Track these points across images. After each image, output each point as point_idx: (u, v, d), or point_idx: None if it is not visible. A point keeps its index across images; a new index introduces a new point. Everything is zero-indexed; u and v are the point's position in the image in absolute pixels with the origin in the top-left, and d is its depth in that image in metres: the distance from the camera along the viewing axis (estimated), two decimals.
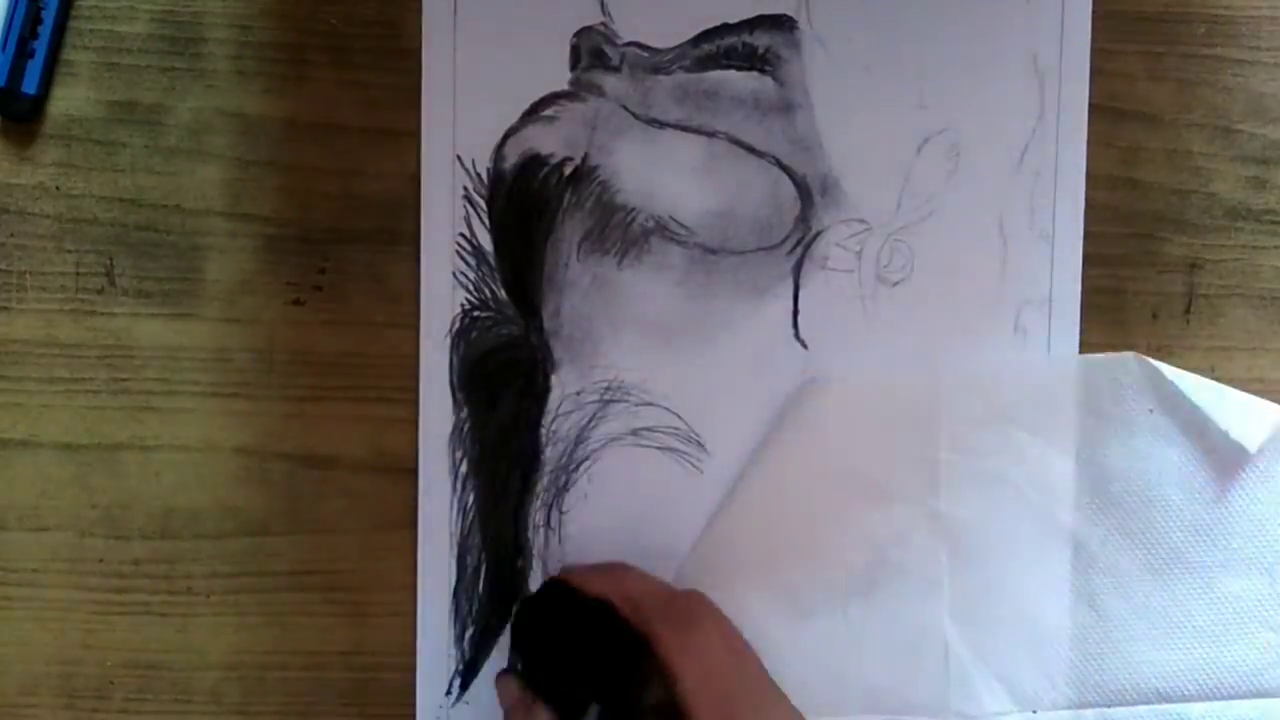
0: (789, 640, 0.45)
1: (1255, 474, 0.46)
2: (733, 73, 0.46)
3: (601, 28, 0.46)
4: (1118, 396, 0.46)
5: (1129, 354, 0.46)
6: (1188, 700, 0.46)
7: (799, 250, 0.46)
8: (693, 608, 0.41)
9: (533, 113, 0.46)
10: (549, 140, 0.46)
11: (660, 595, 0.41)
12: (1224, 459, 0.46)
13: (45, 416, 0.46)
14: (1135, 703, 0.46)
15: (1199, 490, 0.46)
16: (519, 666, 0.43)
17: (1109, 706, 0.46)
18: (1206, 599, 0.46)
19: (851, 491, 0.46)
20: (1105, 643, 0.46)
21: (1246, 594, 0.46)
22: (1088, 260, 0.47)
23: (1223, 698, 0.46)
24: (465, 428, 0.46)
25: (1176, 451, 0.46)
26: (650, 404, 0.46)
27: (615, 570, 0.43)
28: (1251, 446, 0.45)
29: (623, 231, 0.46)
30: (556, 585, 0.43)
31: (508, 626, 0.46)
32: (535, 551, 0.46)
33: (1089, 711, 0.46)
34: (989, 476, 0.46)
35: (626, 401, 0.46)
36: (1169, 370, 0.46)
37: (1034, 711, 0.46)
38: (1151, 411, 0.46)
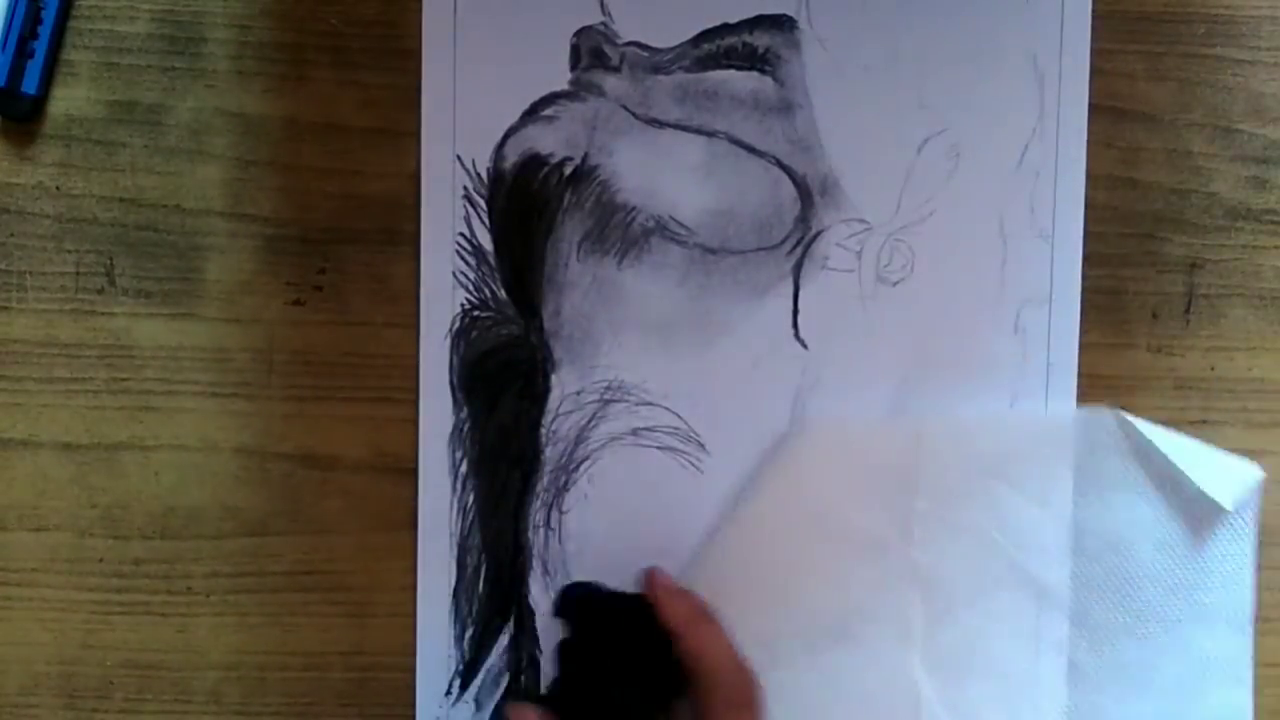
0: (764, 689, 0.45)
1: (1229, 531, 0.46)
2: (733, 73, 0.46)
3: (601, 28, 0.46)
4: (1096, 451, 0.46)
5: (1107, 410, 0.46)
6: None
7: (799, 250, 0.46)
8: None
9: (533, 113, 0.46)
10: (549, 140, 0.46)
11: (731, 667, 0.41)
12: (1199, 515, 0.46)
13: (45, 416, 0.46)
14: None
15: (1173, 546, 0.46)
16: (564, 646, 0.43)
17: None
18: (1178, 654, 0.46)
19: (828, 538, 0.46)
20: (1077, 695, 0.46)
21: (1218, 650, 0.46)
22: (1088, 260, 0.47)
23: None
24: (465, 428, 0.46)
25: (1152, 507, 0.46)
26: (650, 404, 0.46)
27: (705, 625, 0.42)
28: (1227, 503, 0.45)
29: (623, 231, 0.46)
30: (637, 602, 0.42)
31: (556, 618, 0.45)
32: (535, 551, 0.46)
33: None
34: (965, 527, 0.46)
35: (626, 401, 0.46)
36: (1146, 426, 0.46)
37: None
38: (1128, 467, 0.46)
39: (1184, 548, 0.46)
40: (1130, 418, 0.46)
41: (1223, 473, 0.46)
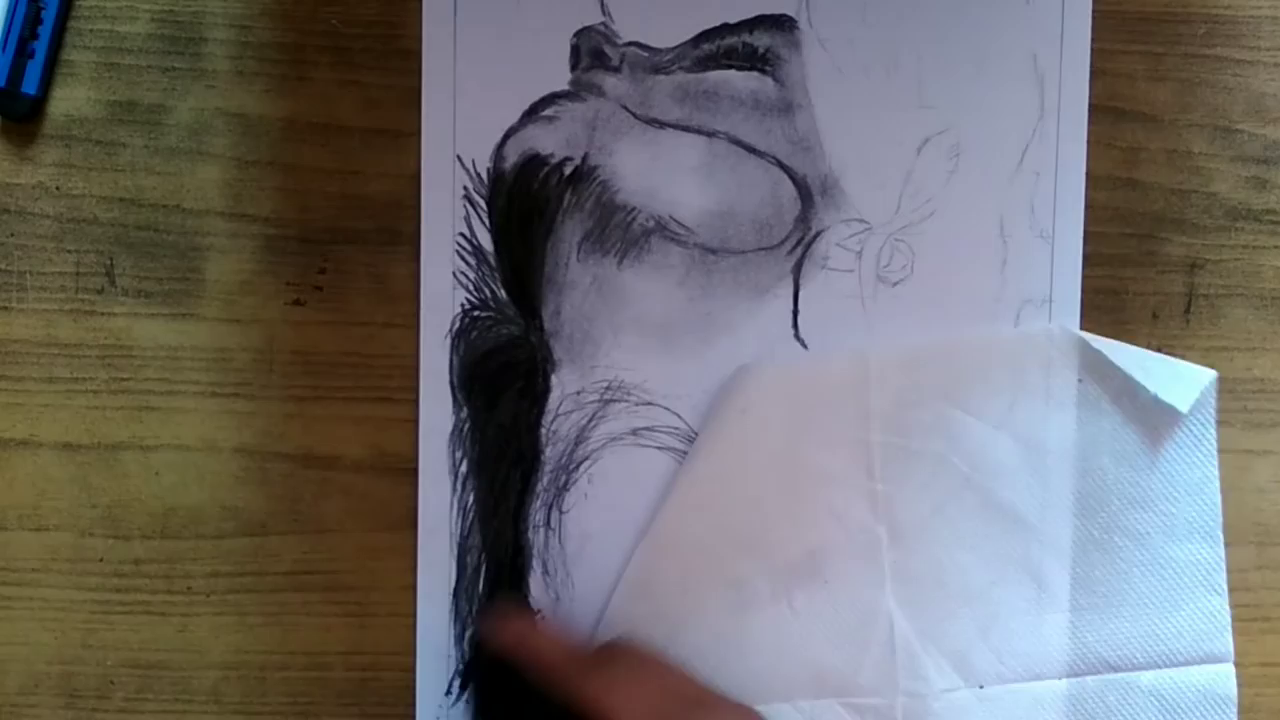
0: (736, 631, 0.44)
1: (1188, 437, 0.46)
2: (733, 73, 0.46)
3: (601, 28, 0.46)
4: (1046, 369, 0.46)
5: (1054, 325, 0.46)
6: (1136, 669, 0.46)
7: (799, 250, 0.46)
8: (611, 653, 0.40)
9: (533, 113, 0.46)
10: (549, 140, 0.46)
11: (571, 653, 0.41)
12: (1156, 423, 0.45)
13: (45, 416, 0.46)
14: (1084, 674, 0.46)
15: (1134, 457, 0.46)
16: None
17: (1057, 679, 0.46)
18: (1149, 566, 0.46)
19: (788, 479, 0.46)
20: (1049, 615, 0.46)
21: (1188, 559, 0.46)
22: (1088, 260, 0.47)
23: (1171, 665, 0.45)
24: (465, 428, 0.46)
25: (1108, 420, 0.46)
26: (650, 404, 0.46)
27: (523, 630, 0.43)
28: (1183, 406, 0.45)
29: (623, 231, 0.46)
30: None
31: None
32: (535, 551, 0.46)
33: (1037, 684, 0.46)
34: (924, 456, 0.46)
35: (626, 401, 0.46)
36: (1094, 339, 0.46)
37: (981, 686, 0.46)
38: (1081, 381, 0.46)
39: (1145, 459, 0.46)
40: (1079, 332, 0.46)
41: (1176, 378, 0.46)
